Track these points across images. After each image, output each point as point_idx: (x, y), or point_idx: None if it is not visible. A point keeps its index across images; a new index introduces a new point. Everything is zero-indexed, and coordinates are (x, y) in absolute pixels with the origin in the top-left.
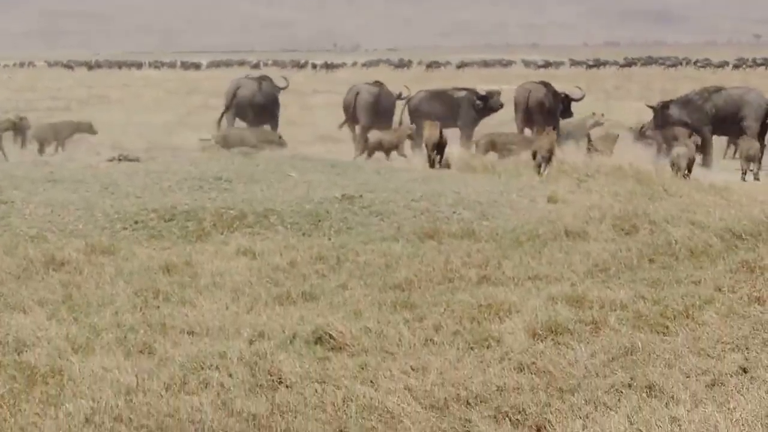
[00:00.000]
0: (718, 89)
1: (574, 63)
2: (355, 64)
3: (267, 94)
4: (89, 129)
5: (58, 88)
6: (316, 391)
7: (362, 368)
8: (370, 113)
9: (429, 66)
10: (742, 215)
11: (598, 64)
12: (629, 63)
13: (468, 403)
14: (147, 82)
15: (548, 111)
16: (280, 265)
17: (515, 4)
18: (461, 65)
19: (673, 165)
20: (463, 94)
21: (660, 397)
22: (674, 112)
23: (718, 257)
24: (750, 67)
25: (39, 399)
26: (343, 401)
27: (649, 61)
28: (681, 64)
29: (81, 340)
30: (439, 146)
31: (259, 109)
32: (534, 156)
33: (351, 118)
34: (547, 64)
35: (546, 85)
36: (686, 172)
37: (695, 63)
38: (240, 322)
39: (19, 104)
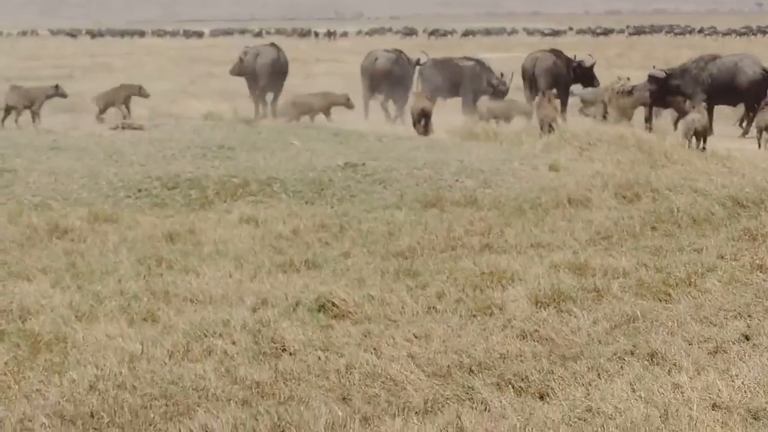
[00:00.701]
0: (714, 57)
1: (580, 31)
2: (359, 32)
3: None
4: (140, 92)
5: (62, 56)
6: (319, 358)
7: (365, 336)
8: (394, 79)
9: (431, 34)
10: (745, 183)
11: (606, 32)
12: (638, 31)
13: (471, 370)
14: (150, 51)
15: (556, 79)
16: (283, 233)
17: None
18: (466, 33)
19: (686, 133)
20: (469, 64)
21: (662, 365)
22: (673, 82)
23: (721, 225)
24: (754, 35)
25: (43, 366)
26: (346, 368)
27: (657, 29)
28: (690, 32)
29: (85, 307)
30: (426, 116)
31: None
32: (541, 124)
33: (373, 86)
34: (554, 33)
35: (556, 53)
36: (702, 141)
37: (700, 31)
38: (243, 290)
39: (22, 72)
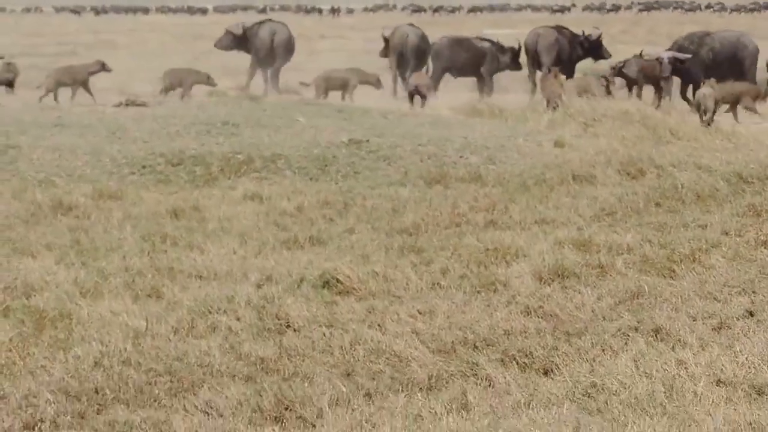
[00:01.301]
0: (707, 34)
1: (587, 8)
2: (365, 9)
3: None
4: (209, 81)
5: (65, 33)
6: (323, 334)
7: (369, 312)
8: (420, 56)
9: (436, 11)
10: (750, 159)
11: (615, 8)
12: (648, 7)
13: (475, 346)
14: (153, 27)
15: (558, 55)
16: (287, 210)
17: None
18: (473, 10)
19: (699, 107)
20: (487, 44)
21: (666, 341)
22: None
23: (725, 201)
24: (759, 11)
25: (48, 343)
26: (351, 345)
27: (665, 5)
28: (700, 8)
29: (89, 284)
30: (419, 94)
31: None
32: (547, 102)
33: (401, 61)
34: (561, 9)
35: (559, 29)
36: (711, 116)
37: (708, 7)
38: (247, 267)
39: (25, 49)
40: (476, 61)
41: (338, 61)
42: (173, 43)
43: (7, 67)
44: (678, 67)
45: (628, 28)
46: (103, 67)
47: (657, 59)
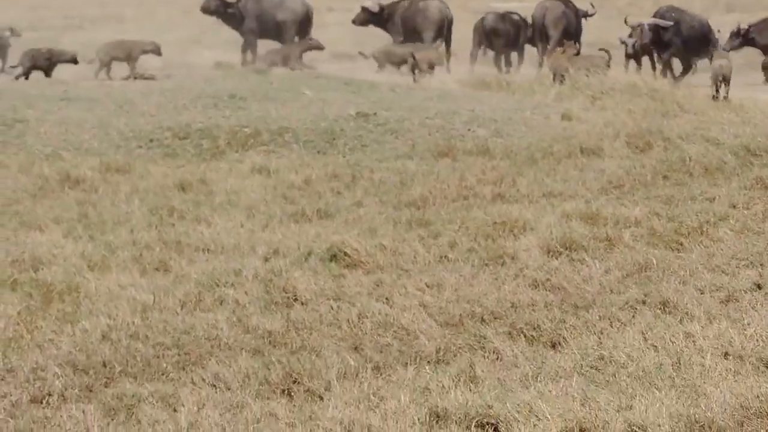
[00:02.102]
0: (683, 11)
1: None
2: None
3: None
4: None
5: (71, 6)
6: (331, 308)
7: (377, 285)
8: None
9: None
10: (757, 132)
11: None
12: None
13: (483, 319)
14: (161, 0)
15: (566, 29)
16: (294, 183)
17: None
18: None
19: (716, 78)
20: (517, 17)
21: (674, 314)
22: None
23: (733, 174)
24: None
25: (55, 316)
26: (359, 318)
27: None
28: None
29: (97, 257)
30: (431, 68)
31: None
32: (554, 75)
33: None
34: None
35: (565, 2)
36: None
37: None
38: (255, 240)
39: (32, 23)
40: (517, 36)
41: (346, 34)
42: (181, 17)
43: (48, 53)
44: (660, 37)
45: (634, 1)
46: (157, 51)
47: (638, 26)
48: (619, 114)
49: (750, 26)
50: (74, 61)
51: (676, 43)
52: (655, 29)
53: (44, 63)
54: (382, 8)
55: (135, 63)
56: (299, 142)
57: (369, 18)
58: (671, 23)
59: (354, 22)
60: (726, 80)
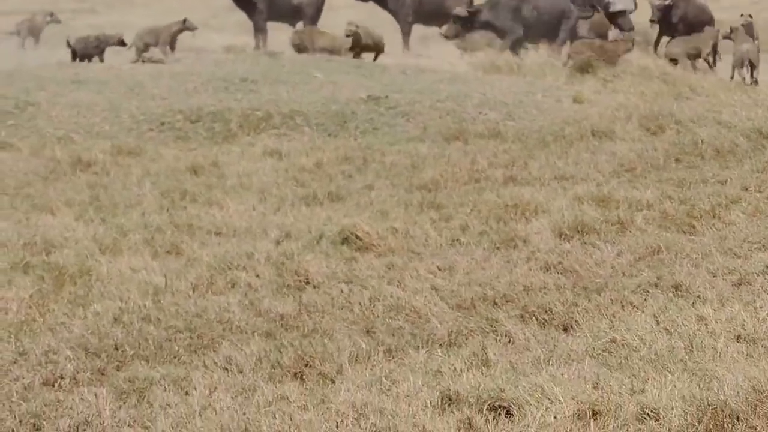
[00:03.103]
0: None
1: None
2: None
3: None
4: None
5: None
6: (342, 291)
7: (389, 268)
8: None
9: None
10: None
11: None
12: None
13: (494, 302)
14: None
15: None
16: (306, 166)
17: None
18: None
19: (741, 61)
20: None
21: (686, 297)
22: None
23: (745, 157)
24: None
25: (67, 299)
26: (370, 301)
27: None
28: None
29: (108, 240)
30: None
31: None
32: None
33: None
34: None
35: None
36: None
37: None
38: (267, 223)
39: (44, 6)
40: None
41: (356, 17)
42: (191, 0)
43: (95, 40)
44: (665, 16)
45: None
46: (190, 27)
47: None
48: (630, 97)
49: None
50: (122, 44)
51: (679, 28)
52: (664, 9)
53: (94, 50)
54: None
55: (166, 47)
56: (311, 125)
57: None
58: (669, 2)
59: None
60: (753, 64)
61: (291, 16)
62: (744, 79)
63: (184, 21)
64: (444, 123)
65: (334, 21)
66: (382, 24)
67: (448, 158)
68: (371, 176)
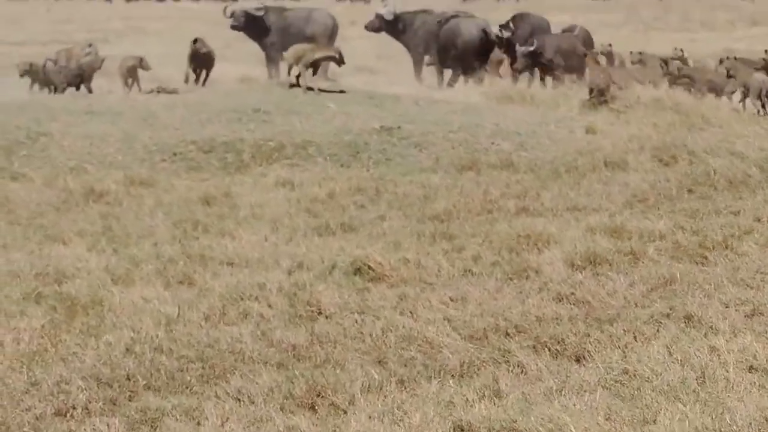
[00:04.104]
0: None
1: None
2: None
3: None
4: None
5: (96, 20)
6: (355, 321)
7: (401, 299)
8: None
9: None
10: None
11: None
12: None
13: (507, 333)
14: (185, 14)
15: None
16: (318, 197)
17: None
18: None
19: (758, 92)
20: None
21: (699, 327)
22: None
23: (758, 187)
24: None
25: (80, 330)
26: (383, 332)
27: None
28: None
29: (121, 271)
30: None
31: None
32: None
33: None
34: None
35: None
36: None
37: None
38: (279, 253)
39: (56, 36)
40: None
41: (368, 47)
42: (206, 30)
43: (138, 62)
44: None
45: (659, 15)
46: (141, 63)
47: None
48: (643, 128)
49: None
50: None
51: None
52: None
53: (75, 79)
54: (397, 17)
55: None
56: (323, 156)
57: (382, 25)
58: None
59: (367, 27)
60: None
61: None
62: (758, 111)
63: (141, 60)
64: (457, 153)
65: (347, 51)
66: (396, 54)
67: (461, 189)
68: (384, 207)
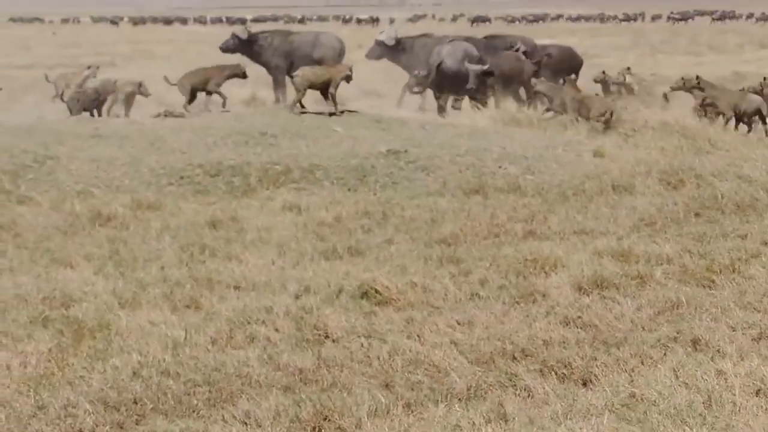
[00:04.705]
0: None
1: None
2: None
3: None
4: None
5: (103, 43)
6: (362, 345)
7: (408, 322)
8: None
9: (474, 21)
10: None
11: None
12: (723, 16)
13: (514, 357)
14: (192, 38)
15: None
16: (325, 221)
17: None
18: (512, 20)
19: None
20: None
21: (706, 351)
22: None
23: (765, 211)
24: None
25: (86, 353)
26: (389, 355)
27: (724, 16)
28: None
29: (128, 294)
30: None
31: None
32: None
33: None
34: (602, 18)
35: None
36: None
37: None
38: (286, 277)
39: (63, 60)
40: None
41: (375, 71)
42: (212, 54)
43: (137, 88)
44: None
45: (668, 38)
46: (238, 72)
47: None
48: (651, 151)
49: None
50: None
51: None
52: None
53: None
54: (398, 41)
55: (216, 91)
56: (330, 180)
57: (383, 52)
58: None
59: (368, 56)
60: (762, 117)
61: None
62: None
63: (140, 85)
64: (464, 177)
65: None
66: (403, 78)
67: (468, 212)
68: (391, 230)
